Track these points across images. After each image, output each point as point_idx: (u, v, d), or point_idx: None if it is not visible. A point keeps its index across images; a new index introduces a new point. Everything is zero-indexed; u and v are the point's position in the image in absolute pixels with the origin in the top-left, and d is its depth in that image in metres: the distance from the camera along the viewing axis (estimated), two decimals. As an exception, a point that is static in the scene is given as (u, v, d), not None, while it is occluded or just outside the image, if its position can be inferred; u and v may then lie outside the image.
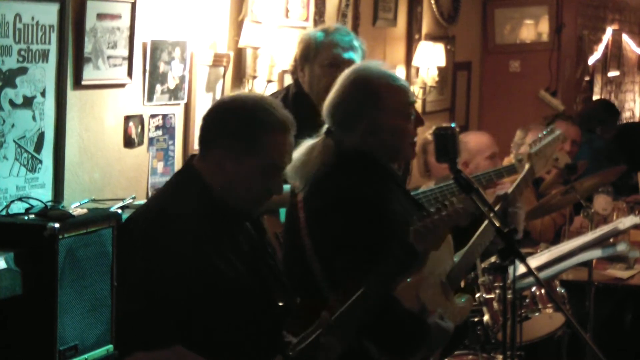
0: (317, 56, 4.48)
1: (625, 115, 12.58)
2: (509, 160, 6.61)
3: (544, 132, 4.40)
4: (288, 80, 5.62)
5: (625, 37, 12.28)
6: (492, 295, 4.79)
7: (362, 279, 3.18)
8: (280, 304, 3.15)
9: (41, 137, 4.25)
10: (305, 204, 3.52)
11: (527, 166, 4.19)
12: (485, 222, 3.87)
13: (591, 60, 10.91)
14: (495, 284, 4.75)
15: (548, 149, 4.31)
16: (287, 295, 3.21)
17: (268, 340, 3.07)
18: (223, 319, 2.97)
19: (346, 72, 3.67)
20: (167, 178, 4.97)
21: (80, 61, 4.43)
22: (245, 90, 5.47)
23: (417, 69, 7.98)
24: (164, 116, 5.06)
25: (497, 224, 3.34)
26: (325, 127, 3.63)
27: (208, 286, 2.93)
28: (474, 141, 5.99)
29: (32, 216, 3.93)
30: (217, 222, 3.02)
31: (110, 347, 4.07)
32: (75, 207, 4.13)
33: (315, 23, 6.38)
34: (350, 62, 4.37)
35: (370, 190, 3.51)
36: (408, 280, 3.55)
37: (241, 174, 3.04)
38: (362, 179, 3.50)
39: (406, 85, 3.70)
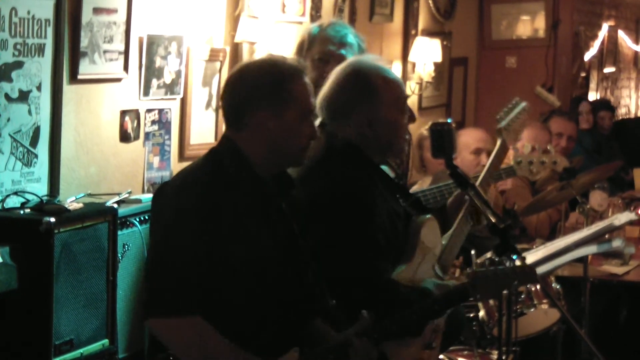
0: (309, 50, 4.47)
1: (621, 112, 12.60)
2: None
3: (509, 105, 4.37)
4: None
5: (621, 33, 12.29)
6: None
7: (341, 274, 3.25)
8: (307, 299, 3.17)
9: (37, 131, 4.25)
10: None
11: (498, 142, 4.16)
12: (467, 203, 3.86)
13: (587, 57, 10.92)
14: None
15: (516, 121, 4.28)
16: (317, 290, 3.22)
17: (285, 326, 3.08)
18: (239, 291, 2.99)
19: (341, 66, 3.68)
20: (163, 173, 4.98)
21: (76, 55, 4.42)
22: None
23: (414, 65, 7.98)
24: (160, 111, 5.05)
25: (493, 220, 3.34)
26: (318, 119, 3.63)
27: (226, 255, 2.96)
28: (462, 135, 5.99)
29: (27, 210, 3.94)
30: (249, 194, 3.05)
31: (105, 341, 4.08)
32: (71, 201, 4.13)
33: (312, 18, 6.38)
34: (341, 57, 4.35)
35: (355, 187, 3.52)
36: (403, 267, 3.59)
37: (285, 127, 3.11)
38: (348, 174, 3.51)
39: (400, 80, 3.73)
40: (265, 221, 3.11)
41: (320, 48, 4.45)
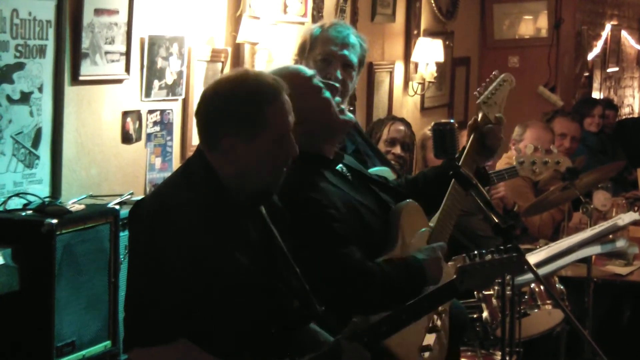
0: (312, 51, 4.45)
1: (625, 111, 12.59)
2: (508, 156, 6.61)
3: (487, 79, 4.32)
4: (286, 75, 5.60)
5: (624, 33, 12.28)
6: (491, 292, 4.78)
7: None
8: (295, 304, 3.14)
9: (38, 132, 4.24)
10: None
11: (479, 115, 4.09)
12: (452, 182, 3.80)
13: (590, 56, 10.91)
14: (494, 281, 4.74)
15: (497, 93, 4.23)
16: (305, 298, 3.19)
17: (276, 336, 3.05)
18: (223, 312, 2.95)
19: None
20: (165, 174, 4.97)
21: (77, 57, 4.42)
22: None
23: (416, 65, 7.97)
24: (162, 112, 5.04)
25: (496, 220, 3.32)
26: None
27: (207, 279, 2.90)
28: (465, 136, 5.97)
29: (29, 212, 3.94)
30: (222, 212, 2.99)
31: (108, 343, 4.07)
32: (73, 203, 4.13)
33: (314, 19, 6.37)
34: (343, 58, 4.34)
35: (301, 190, 3.44)
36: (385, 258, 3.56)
37: (256, 154, 3.00)
38: (289, 179, 3.30)
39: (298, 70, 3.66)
40: (244, 237, 3.03)
41: (323, 49, 4.42)
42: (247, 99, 2.99)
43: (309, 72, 3.61)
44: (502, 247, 3.24)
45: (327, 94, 3.61)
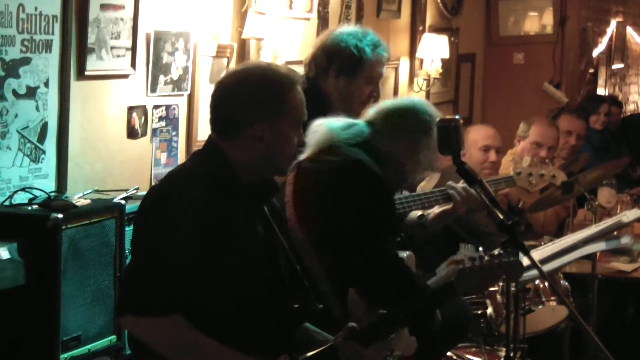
0: (362, 71, 4.45)
1: (630, 108, 12.57)
2: (512, 152, 6.62)
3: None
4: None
5: (629, 30, 12.26)
6: (495, 288, 4.78)
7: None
8: (295, 303, 3.16)
9: (44, 127, 4.25)
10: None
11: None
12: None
13: (595, 53, 10.90)
14: (499, 277, 4.74)
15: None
16: (304, 295, 3.21)
17: (274, 331, 3.07)
18: (222, 293, 2.97)
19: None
20: (170, 169, 4.97)
21: (83, 52, 4.42)
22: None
23: (421, 61, 7.97)
24: (167, 107, 5.05)
25: (500, 217, 3.33)
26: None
27: (211, 257, 2.93)
28: (470, 132, 5.98)
29: (35, 206, 3.94)
30: (232, 199, 3.02)
31: (113, 337, 4.08)
32: (78, 197, 4.13)
33: (319, 14, 6.37)
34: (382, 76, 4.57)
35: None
36: None
37: (279, 139, 3.08)
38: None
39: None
40: (250, 227, 3.08)
41: (375, 72, 4.49)
42: (269, 85, 3.08)
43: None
44: (501, 251, 3.28)
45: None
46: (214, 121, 3.13)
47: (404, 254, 3.83)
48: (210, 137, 3.15)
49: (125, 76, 4.74)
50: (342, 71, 4.43)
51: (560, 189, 5.15)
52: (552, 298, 4.99)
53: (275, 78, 3.10)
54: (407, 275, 3.63)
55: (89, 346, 3.97)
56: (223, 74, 5.37)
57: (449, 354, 4.63)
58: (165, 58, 4.95)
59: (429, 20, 8.17)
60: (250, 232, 3.07)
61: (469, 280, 3.23)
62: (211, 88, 5.30)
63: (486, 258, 3.25)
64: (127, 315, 2.95)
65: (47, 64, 4.23)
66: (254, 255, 3.04)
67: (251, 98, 3.06)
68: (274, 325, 3.07)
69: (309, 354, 3.07)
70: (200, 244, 2.91)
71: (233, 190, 3.04)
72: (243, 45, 5.57)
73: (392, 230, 3.72)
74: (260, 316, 3.04)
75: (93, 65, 4.48)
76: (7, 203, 3.98)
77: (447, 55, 8.02)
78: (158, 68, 4.91)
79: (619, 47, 11.82)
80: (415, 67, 7.99)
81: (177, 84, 5.05)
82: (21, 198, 4.03)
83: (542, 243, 5.16)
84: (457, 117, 3.64)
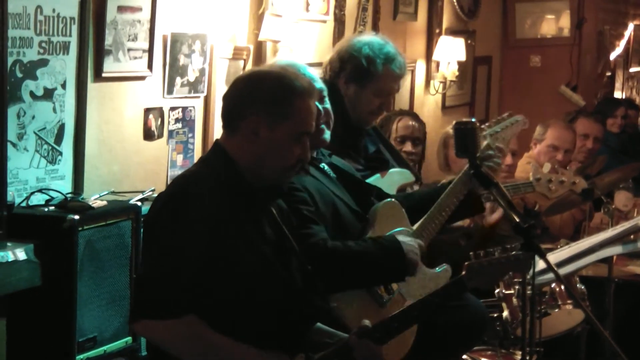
0: (371, 83, 4.43)
1: (647, 111, 12.50)
2: (529, 155, 6.60)
3: (499, 117, 4.38)
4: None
5: (646, 33, 12.20)
6: (511, 291, 4.77)
7: None
8: (308, 303, 3.16)
9: (61, 128, 4.26)
10: None
11: (483, 143, 4.14)
12: (445, 192, 3.96)
13: (612, 56, 10.86)
14: (515, 280, 4.74)
15: (506, 131, 4.28)
16: (317, 295, 3.21)
17: (288, 331, 3.07)
18: (235, 295, 2.97)
19: None
20: (187, 171, 4.98)
21: (100, 53, 4.44)
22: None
23: (438, 64, 7.96)
24: (184, 109, 5.06)
25: (517, 220, 3.32)
26: None
27: (222, 257, 2.93)
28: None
29: (51, 208, 3.96)
30: (239, 198, 3.03)
31: (129, 339, 4.09)
32: (95, 199, 4.14)
33: (335, 17, 6.37)
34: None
35: None
36: None
37: (275, 141, 3.06)
38: None
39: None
40: (258, 227, 3.08)
41: (387, 87, 4.46)
42: (279, 85, 3.08)
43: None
44: (508, 246, 3.30)
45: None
46: (222, 111, 3.17)
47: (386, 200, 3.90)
48: (216, 140, 3.18)
49: (142, 78, 4.75)
50: (351, 79, 4.42)
51: (580, 196, 5.14)
52: (569, 301, 4.98)
53: (288, 81, 3.09)
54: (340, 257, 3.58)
55: (104, 347, 3.98)
56: (239, 76, 5.38)
57: (464, 357, 4.63)
58: (182, 60, 4.96)
59: (445, 23, 8.17)
60: (258, 232, 3.07)
61: (478, 275, 3.24)
62: (227, 90, 5.31)
63: (495, 254, 3.27)
64: (141, 321, 2.95)
65: (65, 66, 4.25)
66: (262, 255, 3.04)
67: (254, 91, 3.07)
68: (288, 325, 3.07)
69: (324, 352, 3.07)
70: (209, 243, 2.92)
71: (238, 190, 3.05)
72: (259, 48, 5.57)
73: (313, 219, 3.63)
74: (273, 316, 3.04)
75: (110, 67, 4.49)
76: (24, 204, 4.00)
77: (463, 58, 8.01)
78: (175, 70, 4.92)
79: (636, 50, 11.77)
80: (432, 70, 7.98)
81: (193, 86, 5.06)
82: (38, 199, 4.04)
83: (559, 246, 5.15)
84: (473, 120, 3.65)
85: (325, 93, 3.89)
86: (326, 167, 3.91)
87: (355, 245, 3.60)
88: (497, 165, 4.10)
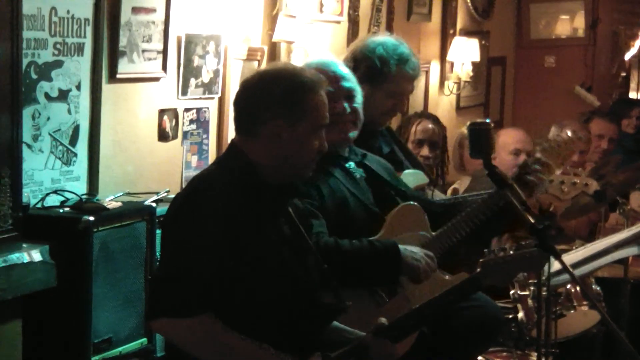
0: (384, 84, 4.41)
1: (661, 112, 12.45)
2: (543, 156, 6.57)
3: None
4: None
5: (662, 33, 12.16)
6: (526, 292, 4.76)
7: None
8: (324, 302, 3.17)
9: (76, 130, 4.27)
10: None
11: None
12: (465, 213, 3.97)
13: (627, 56, 10.82)
14: (530, 281, 4.73)
15: (560, 150, 4.33)
16: (334, 293, 3.21)
17: (305, 330, 3.07)
18: (252, 293, 2.98)
19: None
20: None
21: (115, 55, 4.44)
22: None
23: (452, 64, 7.95)
24: (198, 110, 5.06)
25: (532, 221, 3.31)
26: None
27: (239, 256, 2.94)
28: (501, 135, 5.95)
29: (66, 209, 3.96)
30: (257, 198, 3.03)
31: (144, 340, 4.09)
32: (110, 200, 4.15)
33: (349, 18, 6.37)
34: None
35: None
36: None
37: (298, 140, 3.07)
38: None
39: None
40: (275, 226, 3.09)
41: (401, 88, 4.43)
42: (292, 86, 3.08)
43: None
44: (523, 242, 3.30)
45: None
46: (236, 119, 3.16)
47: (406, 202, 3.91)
48: (232, 140, 3.18)
49: (157, 79, 4.76)
50: (364, 80, 4.41)
51: (592, 198, 5.12)
52: (584, 302, 4.96)
53: (298, 79, 3.10)
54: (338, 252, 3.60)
55: (119, 348, 3.98)
56: (254, 77, 5.38)
57: (479, 358, 4.61)
58: (196, 61, 4.96)
59: (459, 24, 8.15)
60: (276, 232, 3.08)
61: (493, 272, 3.24)
62: (242, 91, 5.31)
63: (510, 251, 3.27)
64: (159, 319, 2.96)
65: (79, 67, 4.25)
66: (280, 253, 3.05)
67: (269, 95, 3.07)
68: (305, 324, 3.07)
69: (340, 351, 3.08)
70: (226, 240, 2.92)
71: (255, 189, 3.06)
72: (274, 48, 5.57)
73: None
74: (290, 315, 3.04)
75: (124, 68, 4.50)
76: (39, 205, 4.01)
77: (477, 59, 8.00)
78: (189, 71, 4.93)
79: (651, 50, 11.74)
80: (446, 71, 7.97)
81: (207, 87, 5.06)
82: (53, 200, 4.05)
83: (574, 247, 5.13)
84: (488, 120, 3.64)
85: (356, 93, 3.90)
86: (352, 166, 3.92)
87: (348, 243, 3.63)
88: (537, 181, 4.12)
